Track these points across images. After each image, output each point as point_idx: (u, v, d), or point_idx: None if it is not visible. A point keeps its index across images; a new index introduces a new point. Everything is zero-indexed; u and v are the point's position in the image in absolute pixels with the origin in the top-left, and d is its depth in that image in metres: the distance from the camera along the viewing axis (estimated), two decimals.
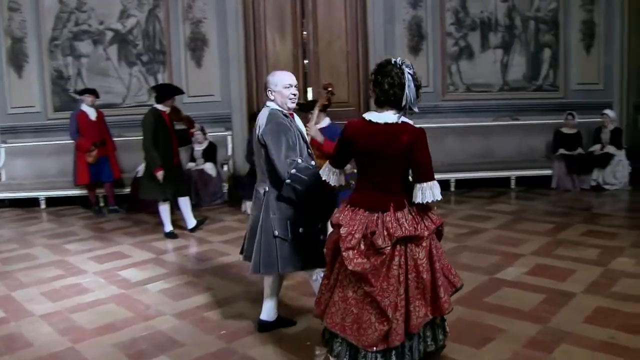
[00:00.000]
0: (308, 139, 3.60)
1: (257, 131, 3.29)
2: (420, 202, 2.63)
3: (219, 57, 7.84)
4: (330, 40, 7.87)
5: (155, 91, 5.75)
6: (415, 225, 2.64)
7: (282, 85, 3.30)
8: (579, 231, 5.26)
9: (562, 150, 7.40)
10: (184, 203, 5.81)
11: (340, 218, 2.73)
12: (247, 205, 6.34)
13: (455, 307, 2.80)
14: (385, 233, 2.60)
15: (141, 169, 6.17)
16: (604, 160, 7.15)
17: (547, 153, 7.71)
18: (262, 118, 3.30)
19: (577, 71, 8.03)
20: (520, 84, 8.02)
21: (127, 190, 7.13)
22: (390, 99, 2.64)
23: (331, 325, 2.73)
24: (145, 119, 5.50)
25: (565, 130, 7.53)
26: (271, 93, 3.32)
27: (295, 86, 3.33)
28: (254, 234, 3.30)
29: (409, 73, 2.64)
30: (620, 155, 7.19)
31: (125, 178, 7.15)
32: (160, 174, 5.40)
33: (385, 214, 2.64)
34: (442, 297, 2.67)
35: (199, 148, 7.24)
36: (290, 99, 3.31)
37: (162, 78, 7.86)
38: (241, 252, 3.52)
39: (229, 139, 7.86)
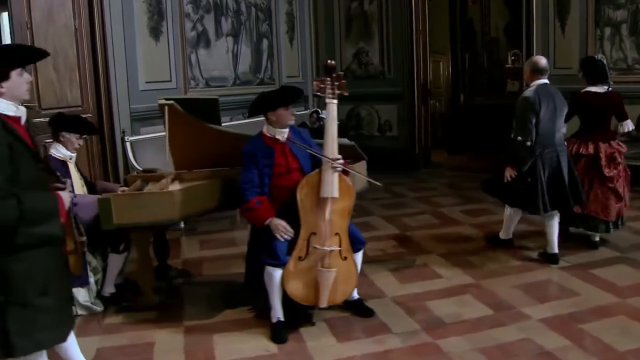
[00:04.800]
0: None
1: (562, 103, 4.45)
2: (627, 131, 4.86)
3: None
4: (50, 10, 5.18)
5: None
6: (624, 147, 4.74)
7: None
8: None
9: None
10: None
11: (589, 149, 4.61)
12: None
13: None
14: (617, 152, 4.63)
15: None
16: None
17: None
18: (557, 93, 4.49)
19: (286, 64, 8.04)
20: (247, 77, 7.40)
21: None
22: (601, 79, 4.61)
23: (589, 211, 4.61)
24: None
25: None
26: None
27: None
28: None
29: (604, 63, 4.68)
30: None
31: None
32: None
33: (612, 142, 4.66)
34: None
35: None
36: None
37: None
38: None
39: None
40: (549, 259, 4.55)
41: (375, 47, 8.26)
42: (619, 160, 4.64)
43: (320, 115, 7.51)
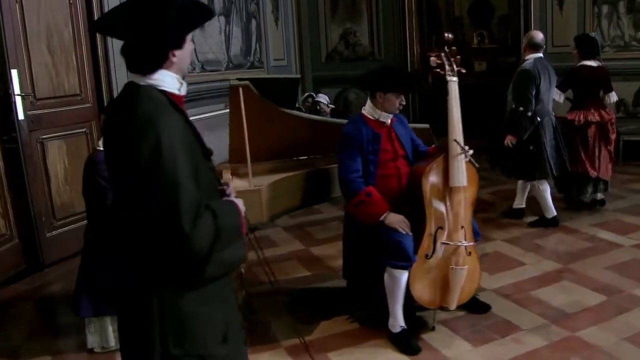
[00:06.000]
0: None
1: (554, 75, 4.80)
2: (613, 102, 5.19)
3: None
4: None
5: None
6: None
7: None
8: None
9: None
10: None
11: (596, 116, 4.94)
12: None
13: None
14: (613, 118, 5.05)
15: None
16: None
17: None
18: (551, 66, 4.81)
19: (272, 46, 7.45)
20: (239, 60, 6.77)
21: None
22: (594, 54, 4.95)
23: (600, 174, 4.97)
24: None
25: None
26: None
27: None
28: None
29: (597, 40, 5.10)
30: None
31: None
32: None
33: (606, 109, 5.05)
34: None
35: None
36: None
37: None
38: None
39: None
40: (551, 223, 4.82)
41: (364, 27, 7.86)
42: (615, 125, 5.09)
43: (317, 99, 7.01)
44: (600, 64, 5.03)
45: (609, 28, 7.05)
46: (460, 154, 3.05)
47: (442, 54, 3.20)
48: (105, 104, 4.86)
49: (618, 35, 7.02)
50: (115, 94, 4.92)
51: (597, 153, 4.95)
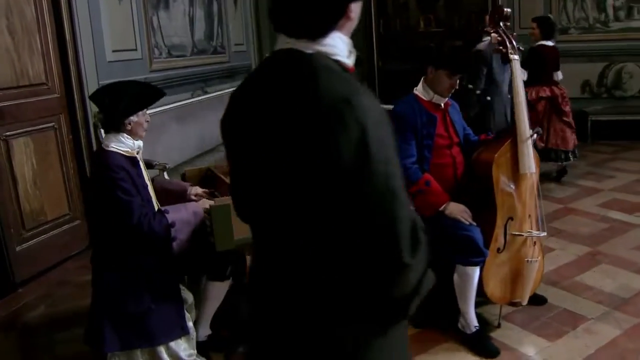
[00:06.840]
0: None
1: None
2: (559, 79, 5.39)
3: None
4: None
5: None
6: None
7: None
8: None
9: None
10: None
11: (547, 92, 5.30)
12: None
13: None
14: (565, 92, 5.38)
15: None
16: None
17: None
18: None
19: (232, 30, 6.91)
20: (203, 45, 6.19)
21: None
22: (553, 35, 5.32)
23: (551, 145, 5.27)
24: None
25: None
26: None
27: None
28: None
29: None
30: None
31: None
32: None
33: (557, 85, 5.35)
34: None
35: None
36: None
37: None
38: None
39: None
40: None
41: None
42: (567, 98, 5.41)
43: None
44: (554, 44, 5.35)
45: (573, 10, 7.13)
46: (529, 138, 2.81)
47: (501, 30, 2.94)
48: (75, 94, 4.22)
49: (583, 18, 7.11)
50: (85, 83, 4.29)
51: (545, 125, 5.26)
